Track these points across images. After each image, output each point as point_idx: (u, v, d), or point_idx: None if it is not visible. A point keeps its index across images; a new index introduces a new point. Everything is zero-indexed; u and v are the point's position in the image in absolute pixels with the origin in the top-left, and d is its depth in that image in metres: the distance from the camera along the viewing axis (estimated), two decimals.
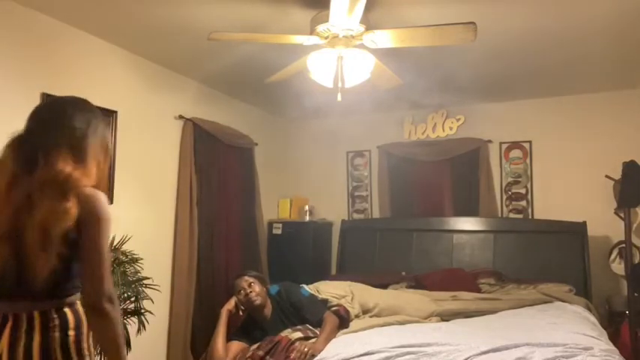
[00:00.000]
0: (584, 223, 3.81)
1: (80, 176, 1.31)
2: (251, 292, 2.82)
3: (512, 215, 4.34)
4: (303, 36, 2.32)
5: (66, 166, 1.29)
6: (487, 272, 3.85)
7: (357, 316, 3.08)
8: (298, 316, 2.87)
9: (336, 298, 3.17)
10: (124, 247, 2.65)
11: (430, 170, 4.61)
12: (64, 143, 1.33)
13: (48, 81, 2.63)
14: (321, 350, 2.49)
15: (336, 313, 2.91)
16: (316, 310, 2.91)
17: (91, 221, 1.29)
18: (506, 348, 2.32)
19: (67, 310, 1.33)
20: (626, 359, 2.39)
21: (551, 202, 4.17)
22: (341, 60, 2.37)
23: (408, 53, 2.87)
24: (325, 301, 3.12)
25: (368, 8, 2.16)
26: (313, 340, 2.63)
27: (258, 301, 2.83)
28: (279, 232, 4.76)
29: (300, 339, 2.62)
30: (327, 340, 2.62)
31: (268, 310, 2.89)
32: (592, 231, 3.81)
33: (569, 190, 4.13)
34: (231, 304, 2.91)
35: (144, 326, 2.59)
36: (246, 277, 2.90)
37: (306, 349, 2.49)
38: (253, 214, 4.45)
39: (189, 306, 3.54)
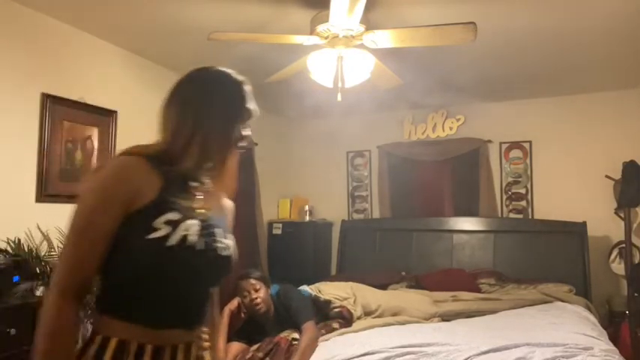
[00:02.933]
0: (584, 223, 3.80)
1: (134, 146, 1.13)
2: (257, 297, 2.71)
3: (512, 215, 4.34)
4: (303, 36, 2.32)
5: None
6: (487, 272, 3.85)
7: (358, 318, 3.07)
8: (290, 320, 2.83)
9: (339, 299, 3.15)
10: None
11: (430, 170, 4.61)
12: None
13: (48, 81, 2.63)
14: None
15: (338, 314, 2.90)
16: (300, 317, 2.74)
17: None
18: (506, 348, 2.32)
19: None
20: (626, 359, 2.39)
21: (551, 202, 4.17)
22: (341, 60, 2.37)
23: (408, 53, 2.87)
24: (328, 302, 3.09)
25: (368, 8, 2.16)
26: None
27: (263, 308, 2.73)
28: (279, 232, 4.75)
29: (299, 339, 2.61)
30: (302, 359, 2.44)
31: (269, 312, 2.87)
32: (592, 231, 3.81)
33: (569, 190, 4.13)
34: (233, 304, 2.83)
35: None
36: (252, 281, 2.76)
37: None
38: (253, 214, 4.44)
39: None
